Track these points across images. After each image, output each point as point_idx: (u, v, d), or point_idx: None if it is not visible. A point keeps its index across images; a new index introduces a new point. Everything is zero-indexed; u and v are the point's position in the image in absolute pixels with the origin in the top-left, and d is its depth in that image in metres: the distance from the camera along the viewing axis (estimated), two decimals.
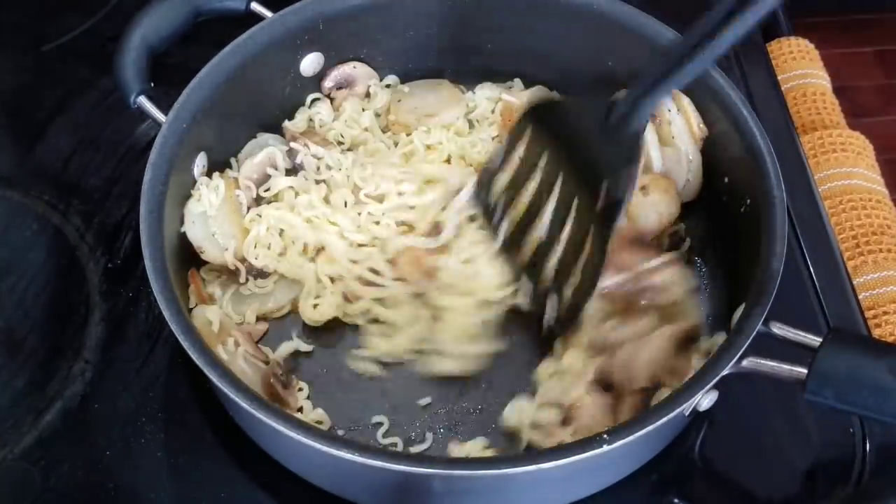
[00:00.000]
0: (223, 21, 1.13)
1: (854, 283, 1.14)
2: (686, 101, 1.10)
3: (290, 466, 0.96)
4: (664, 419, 0.84)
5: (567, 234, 1.00)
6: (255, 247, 1.07)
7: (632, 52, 1.14)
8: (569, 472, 0.85)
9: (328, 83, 1.20)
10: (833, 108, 1.45)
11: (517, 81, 1.24)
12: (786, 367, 0.87)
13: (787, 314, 0.91)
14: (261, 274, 1.07)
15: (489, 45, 1.23)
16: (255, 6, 1.13)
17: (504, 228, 1.05)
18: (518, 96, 1.21)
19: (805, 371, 0.85)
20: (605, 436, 0.82)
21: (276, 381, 0.96)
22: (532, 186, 1.03)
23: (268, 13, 1.13)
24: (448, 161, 1.17)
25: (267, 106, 1.17)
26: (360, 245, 1.08)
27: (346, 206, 1.10)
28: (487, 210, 1.07)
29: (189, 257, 1.06)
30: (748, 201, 1.01)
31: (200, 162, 1.08)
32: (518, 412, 0.98)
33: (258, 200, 1.11)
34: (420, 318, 1.04)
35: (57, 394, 1.03)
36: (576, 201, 0.99)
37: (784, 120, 1.30)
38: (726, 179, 1.08)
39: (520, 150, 1.05)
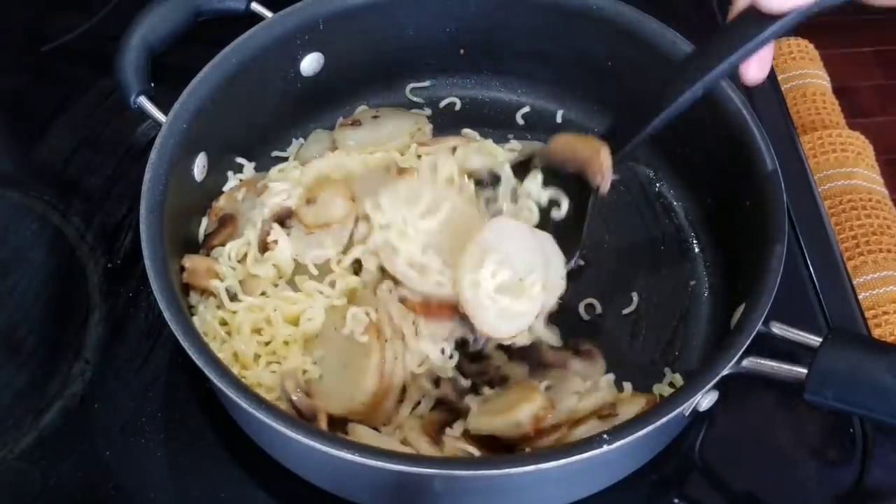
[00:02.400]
0: (223, 21, 1.13)
1: (854, 283, 1.14)
2: None
3: (291, 466, 0.96)
4: (664, 419, 0.83)
5: None
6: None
7: (632, 52, 1.14)
8: (569, 472, 0.86)
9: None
10: (833, 108, 1.45)
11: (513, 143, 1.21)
12: (786, 367, 0.87)
13: (787, 314, 0.91)
14: None
15: (489, 45, 1.23)
16: (255, 6, 1.13)
17: None
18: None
19: (805, 371, 0.85)
20: (605, 436, 0.82)
21: None
22: None
23: (268, 13, 1.13)
24: None
25: (267, 106, 1.17)
26: None
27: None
28: None
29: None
30: (748, 201, 1.01)
31: (200, 162, 1.08)
32: None
33: None
34: None
35: (57, 394, 1.03)
36: None
37: (784, 120, 1.30)
38: (726, 180, 1.08)
39: None
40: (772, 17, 0.86)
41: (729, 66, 0.90)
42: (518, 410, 0.92)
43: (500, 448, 0.94)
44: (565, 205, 1.04)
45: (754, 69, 0.91)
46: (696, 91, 0.93)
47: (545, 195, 1.05)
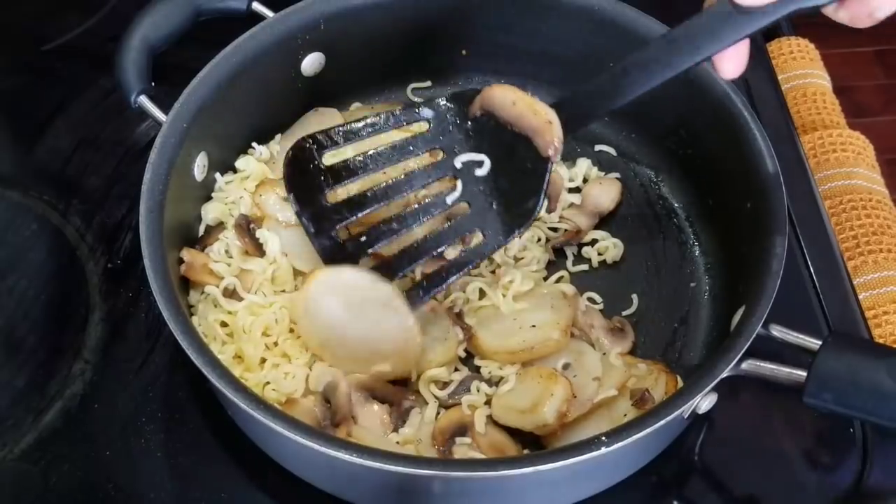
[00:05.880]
0: (224, 21, 1.13)
1: (854, 283, 1.14)
2: None
3: (289, 467, 0.96)
4: (663, 421, 0.84)
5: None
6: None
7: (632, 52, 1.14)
8: (568, 474, 0.86)
9: None
10: (833, 108, 1.44)
11: None
12: (785, 369, 0.87)
13: (787, 315, 0.91)
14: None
15: (490, 45, 1.23)
16: (257, 6, 1.13)
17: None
18: None
19: (804, 374, 0.85)
20: (603, 438, 0.82)
21: None
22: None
23: (269, 13, 1.13)
24: None
25: (267, 106, 1.16)
26: None
27: None
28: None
29: None
30: (749, 203, 1.01)
31: (201, 162, 1.08)
32: None
33: None
34: None
35: (57, 394, 1.03)
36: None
37: (784, 120, 1.30)
38: (727, 180, 1.08)
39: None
40: (746, 13, 0.84)
41: (698, 60, 0.88)
42: (542, 409, 0.94)
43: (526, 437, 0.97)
44: (487, 165, 1.01)
45: (728, 65, 0.87)
46: (662, 78, 0.90)
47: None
